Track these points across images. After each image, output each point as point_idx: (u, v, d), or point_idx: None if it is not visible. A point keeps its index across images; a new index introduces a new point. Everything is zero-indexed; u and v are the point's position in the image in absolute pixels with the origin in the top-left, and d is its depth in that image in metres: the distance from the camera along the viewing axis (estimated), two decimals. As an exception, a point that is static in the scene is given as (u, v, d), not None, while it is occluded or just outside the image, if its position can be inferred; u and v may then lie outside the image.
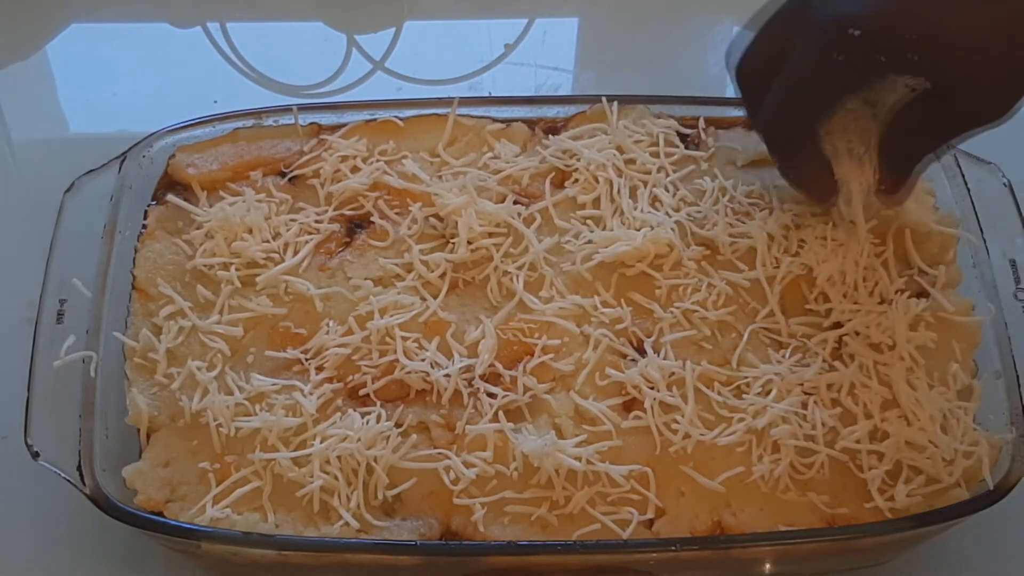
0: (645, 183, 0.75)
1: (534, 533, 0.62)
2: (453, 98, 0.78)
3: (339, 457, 0.63)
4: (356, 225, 0.74)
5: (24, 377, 0.66)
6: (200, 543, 0.62)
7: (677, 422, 0.65)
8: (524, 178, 0.75)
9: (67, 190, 0.74)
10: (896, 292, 0.71)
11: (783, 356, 0.68)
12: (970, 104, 0.60)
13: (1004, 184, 0.75)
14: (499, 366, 0.67)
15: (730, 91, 0.96)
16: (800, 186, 0.71)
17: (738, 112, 0.80)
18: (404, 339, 0.68)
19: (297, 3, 1.04)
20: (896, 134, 0.65)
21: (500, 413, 0.65)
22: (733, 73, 0.68)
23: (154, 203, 0.75)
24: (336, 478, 0.63)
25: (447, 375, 0.66)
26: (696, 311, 0.70)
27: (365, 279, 0.71)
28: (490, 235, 0.72)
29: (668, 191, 0.75)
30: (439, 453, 0.64)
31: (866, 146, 0.67)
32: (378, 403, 0.66)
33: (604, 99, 0.78)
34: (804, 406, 0.66)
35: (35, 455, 0.63)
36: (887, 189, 0.68)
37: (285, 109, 0.79)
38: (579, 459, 0.63)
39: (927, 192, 0.75)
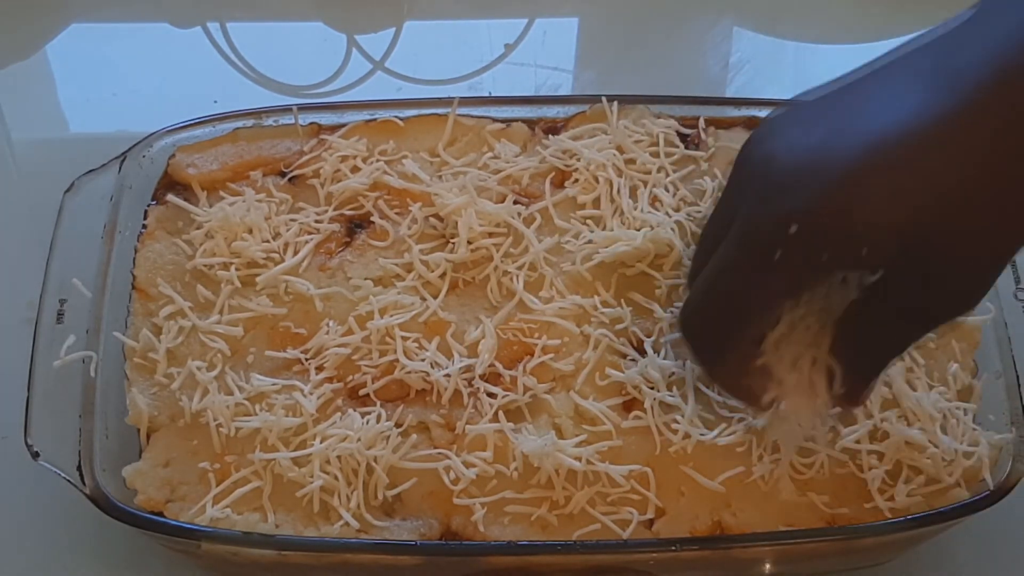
0: (645, 183, 0.75)
1: (534, 533, 0.62)
2: (453, 98, 0.78)
3: (339, 457, 0.63)
4: (356, 225, 0.74)
5: (24, 377, 0.66)
6: (200, 543, 0.62)
7: (677, 422, 0.65)
8: (524, 178, 0.75)
9: (67, 190, 0.74)
10: (896, 292, 0.71)
11: (783, 356, 0.68)
12: (938, 297, 0.50)
13: (1004, 184, 0.75)
14: (499, 366, 0.67)
15: (730, 91, 0.97)
16: (737, 397, 0.59)
17: (738, 112, 0.80)
18: (404, 339, 0.68)
19: (297, 3, 1.04)
20: (854, 339, 0.54)
21: (500, 413, 0.65)
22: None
23: (154, 203, 0.75)
24: (336, 478, 0.63)
25: (447, 375, 0.66)
26: (696, 311, 0.69)
27: (365, 279, 0.71)
28: (490, 235, 0.72)
29: (668, 191, 0.75)
30: (439, 453, 0.64)
31: (815, 356, 0.55)
32: (378, 403, 0.66)
33: (604, 99, 0.78)
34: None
35: (35, 455, 0.63)
36: (848, 400, 0.57)
37: (285, 109, 0.78)
38: (579, 459, 0.63)
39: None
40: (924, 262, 0.48)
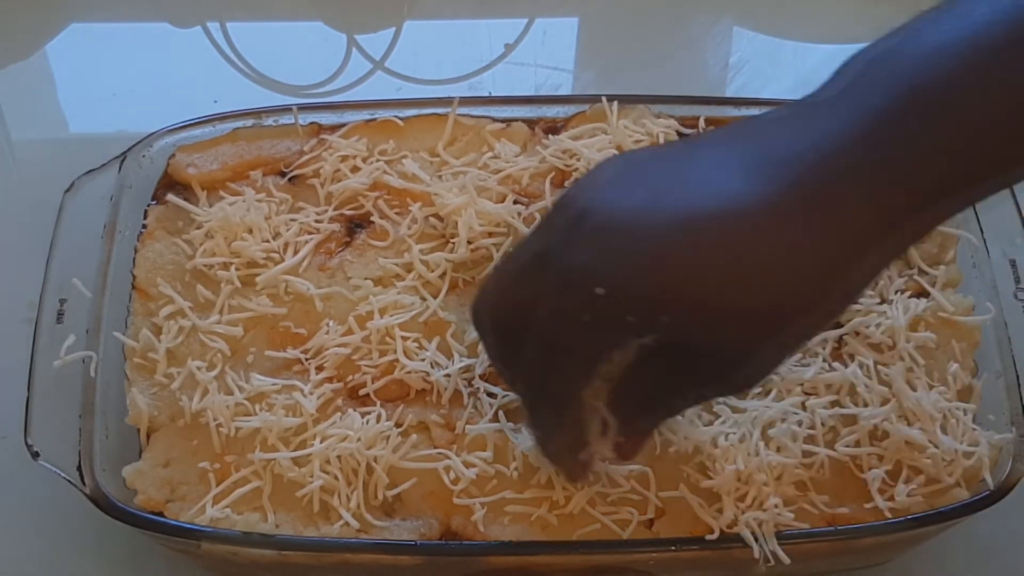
0: (645, 183, 0.75)
1: (534, 533, 0.62)
2: (453, 98, 0.78)
3: (339, 457, 0.63)
4: (356, 225, 0.74)
5: (24, 377, 0.66)
6: (200, 543, 0.62)
7: (677, 422, 0.65)
8: (524, 178, 0.75)
9: (67, 190, 0.74)
10: (896, 292, 0.71)
11: (783, 356, 0.68)
12: (714, 376, 0.52)
13: (1004, 184, 0.75)
14: (499, 366, 0.67)
15: (730, 91, 0.97)
16: (556, 463, 0.60)
17: (738, 112, 0.80)
18: (404, 339, 0.68)
19: (297, 3, 1.04)
20: (632, 397, 0.55)
21: (500, 413, 0.65)
22: (484, 325, 0.56)
23: (154, 203, 0.75)
24: (336, 478, 0.63)
25: (447, 375, 0.66)
26: (696, 311, 0.69)
27: (365, 279, 0.71)
28: (490, 235, 0.72)
29: (668, 191, 0.74)
30: (439, 453, 0.64)
31: (593, 406, 0.56)
32: (378, 403, 0.66)
33: (604, 99, 0.78)
34: (804, 406, 0.66)
35: (35, 455, 0.63)
36: (619, 454, 0.58)
37: (285, 109, 0.78)
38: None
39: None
40: (713, 342, 0.49)
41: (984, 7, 0.47)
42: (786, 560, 0.60)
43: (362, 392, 0.67)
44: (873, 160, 0.46)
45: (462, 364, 0.67)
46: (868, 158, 0.46)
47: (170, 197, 0.74)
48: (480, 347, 0.68)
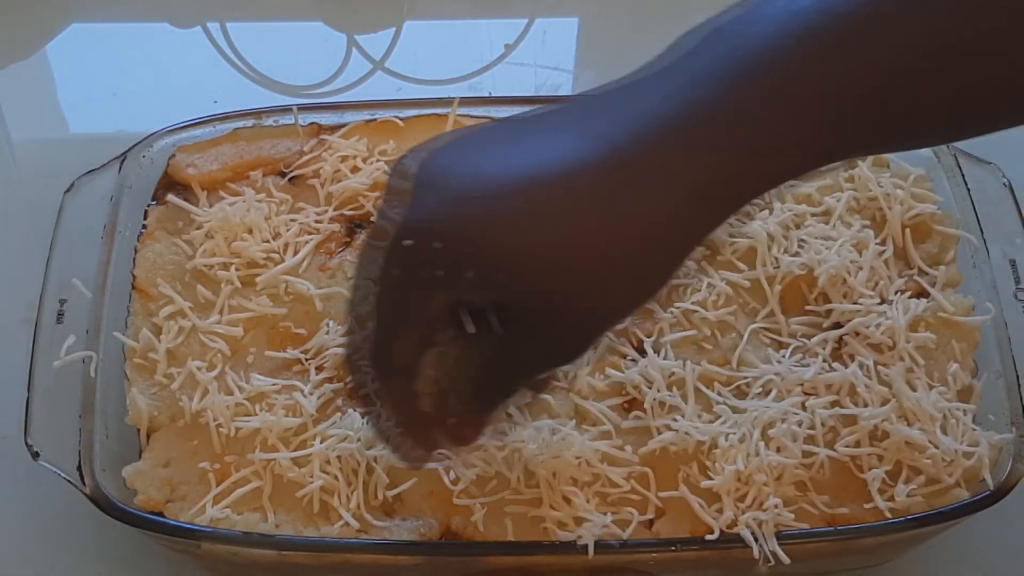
0: (645, 183, 0.75)
1: (534, 533, 0.62)
2: (453, 98, 0.78)
3: (339, 457, 0.63)
4: (356, 225, 0.74)
5: (24, 377, 0.66)
6: (200, 543, 0.62)
7: (677, 422, 0.65)
8: (524, 178, 0.75)
9: (67, 190, 0.74)
10: (896, 292, 0.71)
11: (783, 356, 0.68)
12: (539, 346, 0.51)
13: (1004, 184, 0.75)
14: (499, 366, 0.67)
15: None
16: (393, 444, 0.57)
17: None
18: (404, 339, 0.68)
19: (297, 3, 1.04)
20: (468, 377, 0.54)
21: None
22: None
23: (154, 203, 0.75)
24: (336, 478, 0.63)
25: (447, 375, 0.66)
26: (696, 311, 0.70)
27: (365, 279, 0.71)
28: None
29: (668, 191, 0.74)
30: (439, 453, 0.64)
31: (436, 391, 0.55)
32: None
33: (604, 99, 0.78)
34: (804, 406, 0.66)
35: (35, 455, 0.63)
36: (457, 438, 0.56)
37: (285, 109, 0.78)
38: (579, 459, 0.63)
39: (928, 190, 0.75)
40: (530, 307, 0.49)
41: None
42: (786, 560, 0.60)
43: (362, 392, 0.67)
44: (691, 131, 0.47)
45: (462, 364, 0.67)
46: (686, 129, 0.47)
47: (170, 197, 0.74)
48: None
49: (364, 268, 0.53)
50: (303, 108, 0.78)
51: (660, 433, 0.65)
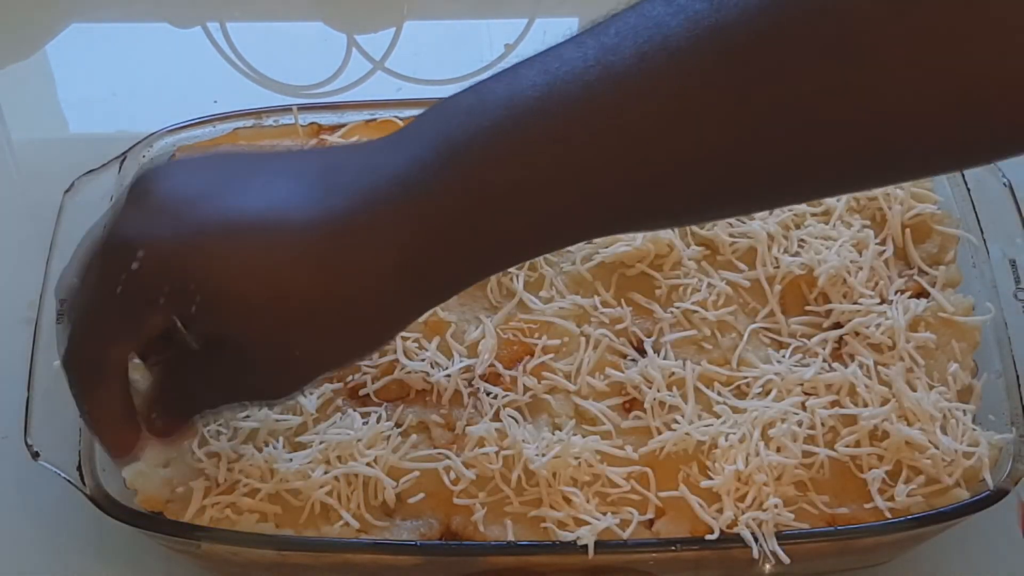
0: (645, 183, 0.75)
1: (534, 533, 0.62)
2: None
3: (339, 457, 0.63)
4: (356, 225, 0.74)
5: (24, 377, 0.66)
6: (200, 543, 0.62)
7: (677, 422, 0.65)
8: (524, 178, 0.75)
9: (67, 190, 0.74)
10: (896, 292, 0.71)
11: (783, 356, 0.68)
12: (247, 375, 0.53)
13: (1004, 184, 0.75)
14: (499, 366, 0.67)
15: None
16: (98, 434, 0.57)
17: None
18: (404, 339, 0.68)
19: (297, 3, 1.04)
20: (169, 382, 0.56)
21: (500, 413, 0.65)
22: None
23: (154, 203, 0.75)
24: (336, 478, 0.63)
25: (447, 375, 0.66)
26: (696, 311, 0.70)
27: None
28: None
29: (668, 191, 0.74)
30: (439, 453, 0.64)
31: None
32: (384, 405, 0.66)
33: (604, 99, 0.78)
34: (804, 406, 0.66)
35: (35, 455, 0.63)
36: (159, 433, 0.57)
37: (285, 109, 0.78)
38: (578, 459, 0.63)
39: (928, 190, 0.75)
40: (236, 342, 0.51)
41: (534, 72, 0.49)
42: (786, 560, 0.60)
43: (362, 392, 0.67)
44: (400, 200, 0.49)
45: (462, 364, 0.67)
46: (398, 197, 0.49)
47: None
48: (481, 347, 0.68)
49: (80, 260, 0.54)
50: (303, 108, 0.78)
51: (660, 433, 0.65)
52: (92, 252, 0.53)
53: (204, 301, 0.49)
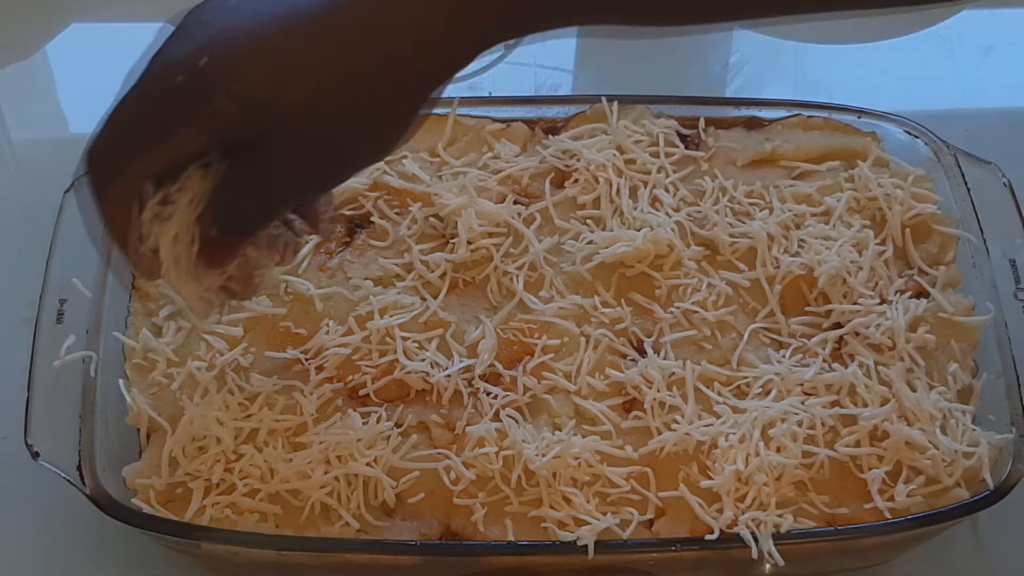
0: (645, 183, 0.75)
1: (534, 533, 0.62)
2: (453, 98, 0.78)
3: (339, 457, 0.63)
4: (356, 225, 0.74)
5: (24, 377, 0.66)
6: (200, 543, 0.62)
7: (677, 422, 0.65)
8: (524, 178, 0.75)
9: (67, 190, 0.74)
10: (896, 292, 0.71)
11: (783, 356, 0.68)
12: (287, 173, 0.54)
13: (1004, 184, 0.75)
14: (499, 366, 0.67)
15: (730, 91, 0.97)
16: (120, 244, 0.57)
17: (738, 112, 0.80)
18: (404, 339, 0.68)
19: (297, 3, 1.04)
20: (224, 208, 0.55)
21: (500, 413, 0.65)
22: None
23: (154, 203, 0.75)
24: (336, 478, 0.63)
25: (447, 375, 0.66)
26: (696, 311, 0.70)
27: (365, 279, 0.71)
28: (490, 235, 0.72)
29: (668, 191, 0.75)
30: (439, 453, 0.64)
31: (192, 234, 0.56)
32: (384, 405, 0.66)
33: (604, 99, 0.78)
34: (804, 406, 0.66)
35: (35, 455, 0.63)
36: (210, 263, 0.57)
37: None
38: (578, 460, 0.63)
39: (928, 190, 0.75)
40: (287, 136, 0.52)
41: None
42: (781, 561, 0.60)
43: (362, 392, 0.67)
44: None
45: (462, 364, 0.67)
46: None
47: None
48: (480, 347, 0.68)
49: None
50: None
51: (660, 433, 0.65)
52: (149, 66, 0.55)
53: (256, 100, 0.51)
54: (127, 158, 0.55)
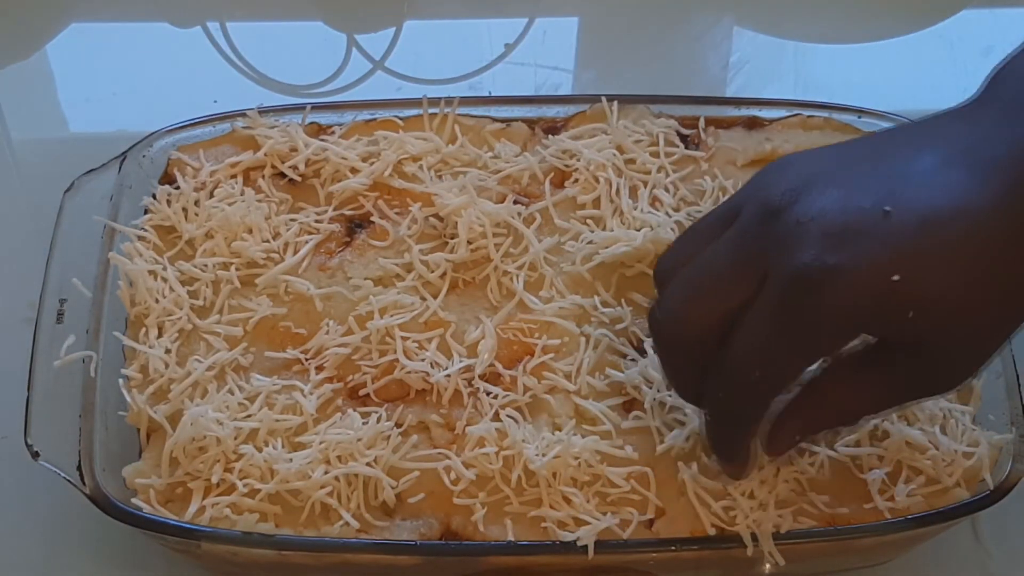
0: (645, 183, 0.75)
1: (534, 533, 0.62)
2: (453, 98, 0.78)
3: (339, 457, 0.63)
4: (356, 225, 0.74)
5: (24, 377, 0.66)
6: (200, 543, 0.62)
7: (679, 421, 0.65)
8: (524, 178, 0.75)
9: (67, 190, 0.74)
10: (896, 292, 0.71)
11: (783, 356, 0.68)
12: (926, 374, 0.53)
13: (1004, 184, 0.75)
14: (499, 366, 0.67)
15: (730, 91, 0.97)
16: (733, 468, 0.60)
17: (738, 112, 0.80)
18: (404, 339, 0.68)
19: (297, 3, 1.04)
20: (818, 396, 0.56)
21: (500, 413, 0.65)
22: (670, 339, 0.57)
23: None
24: (336, 478, 0.63)
25: (447, 375, 0.66)
26: (696, 311, 0.69)
27: (365, 279, 0.71)
28: (490, 235, 0.72)
29: (668, 191, 0.75)
30: (439, 453, 0.64)
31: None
32: (384, 406, 0.66)
33: (604, 99, 0.78)
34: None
35: (35, 455, 0.63)
36: (779, 446, 0.58)
37: (285, 109, 0.78)
38: (578, 460, 0.63)
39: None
40: (936, 339, 0.50)
41: None
42: (781, 561, 0.60)
43: (362, 392, 0.67)
44: None
45: (462, 364, 0.67)
46: None
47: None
48: (480, 347, 0.68)
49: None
50: (301, 108, 0.78)
51: (660, 433, 0.65)
52: (782, 286, 0.51)
53: (919, 308, 0.49)
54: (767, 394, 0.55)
